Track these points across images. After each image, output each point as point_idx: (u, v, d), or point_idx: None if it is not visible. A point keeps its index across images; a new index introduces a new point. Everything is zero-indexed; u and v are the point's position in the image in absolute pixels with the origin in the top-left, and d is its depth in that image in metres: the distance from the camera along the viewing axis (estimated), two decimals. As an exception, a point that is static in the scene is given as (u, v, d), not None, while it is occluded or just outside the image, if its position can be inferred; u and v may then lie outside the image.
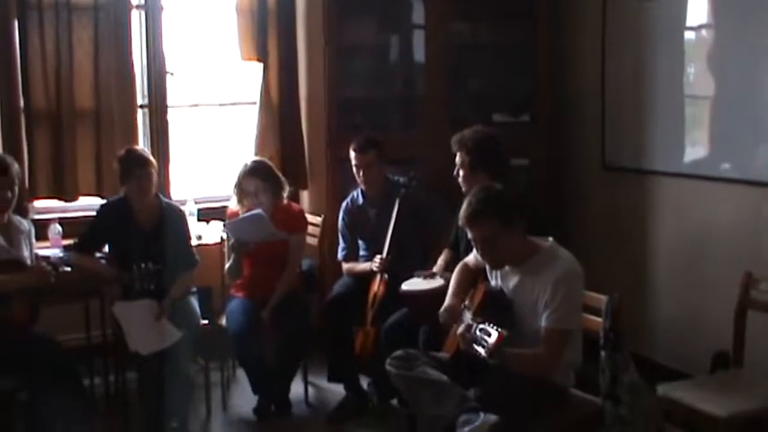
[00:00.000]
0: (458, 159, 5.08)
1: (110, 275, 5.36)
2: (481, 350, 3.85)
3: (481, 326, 3.94)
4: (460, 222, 4.19)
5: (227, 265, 5.75)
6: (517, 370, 3.99)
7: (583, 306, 4.20)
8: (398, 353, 4.39)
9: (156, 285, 5.24)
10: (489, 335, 3.84)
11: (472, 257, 4.51)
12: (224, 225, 5.65)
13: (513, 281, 4.21)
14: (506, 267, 4.24)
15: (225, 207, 5.93)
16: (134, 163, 5.39)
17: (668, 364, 5.81)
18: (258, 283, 5.66)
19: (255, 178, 5.60)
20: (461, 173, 5.06)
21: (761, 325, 4.64)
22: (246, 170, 5.63)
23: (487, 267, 4.35)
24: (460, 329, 4.07)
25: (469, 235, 4.19)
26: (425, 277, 5.15)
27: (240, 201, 5.65)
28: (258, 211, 5.49)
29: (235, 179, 5.67)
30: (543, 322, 4.02)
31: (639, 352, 5.30)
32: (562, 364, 4.12)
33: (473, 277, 4.52)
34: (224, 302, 5.79)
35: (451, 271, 4.72)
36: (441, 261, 5.37)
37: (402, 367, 4.28)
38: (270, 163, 5.82)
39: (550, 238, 4.22)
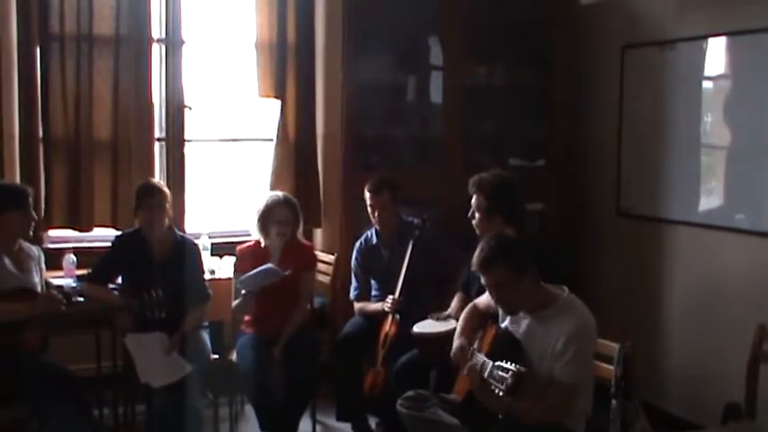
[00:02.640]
0: (474, 202, 5.06)
1: (120, 304, 5.38)
2: (499, 387, 3.85)
3: (497, 363, 3.94)
4: (473, 268, 4.20)
5: (234, 303, 5.76)
6: (526, 422, 3.96)
7: (594, 354, 4.18)
8: (410, 393, 4.40)
9: (167, 314, 5.26)
10: (507, 372, 3.85)
11: (483, 299, 4.50)
12: (238, 282, 5.66)
13: (524, 326, 4.19)
14: (519, 313, 4.23)
15: (239, 242, 5.94)
16: (144, 193, 5.46)
17: (679, 413, 5.80)
18: (268, 319, 5.65)
19: (288, 209, 5.67)
20: (477, 215, 5.04)
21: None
22: (280, 200, 5.70)
23: (500, 311, 4.34)
24: (472, 367, 4.07)
25: (482, 281, 4.19)
26: (438, 319, 5.15)
27: (264, 228, 5.68)
28: (269, 265, 5.53)
29: (261, 206, 5.69)
30: (553, 374, 4.00)
31: (651, 401, 5.28)
32: (573, 413, 4.09)
33: (482, 319, 4.51)
34: (234, 337, 5.78)
35: None
36: (454, 304, 5.31)
37: (413, 408, 4.28)
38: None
39: (565, 288, 4.19)
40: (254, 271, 5.53)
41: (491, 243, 4.12)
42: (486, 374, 3.99)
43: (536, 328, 4.12)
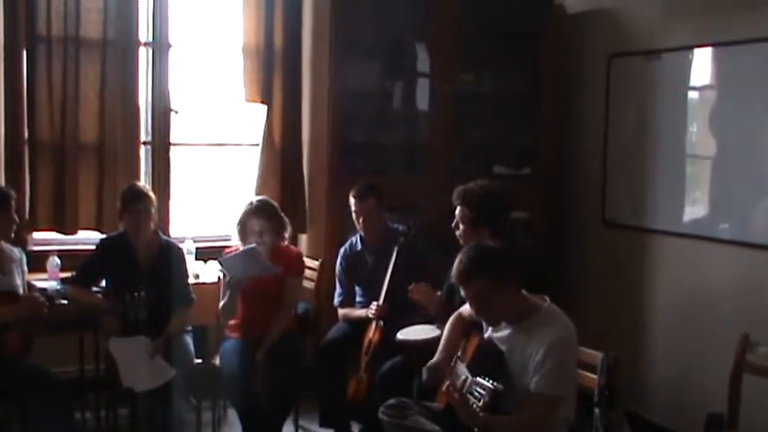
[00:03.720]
0: (458, 213, 5.01)
1: (103, 306, 5.36)
2: (476, 404, 3.84)
3: (476, 379, 3.93)
4: (452, 280, 4.18)
5: (221, 303, 5.73)
6: None
7: (578, 362, 4.16)
8: (392, 401, 4.37)
9: (151, 318, 5.25)
10: (484, 388, 3.83)
11: (467, 308, 4.48)
12: (219, 261, 5.62)
13: (505, 336, 4.15)
14: (501, 323, 4.21)
15: (223, 247, 5.92)
16: (130, 197, 5.44)
17: (662, 423, 5.81)
18: (252, 323, 5.62)
19: (261, 218, 5.58)
20: (461, 227, 5.00)
21: (756, 387, 4.61)
22: (252, 209, 5.61)
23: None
24: (455, 383, 4.05)
25: (462, 293, 4.17)
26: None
27: (243, 239, 5.63)
28: (252, 245, 5.48)
29: (238, 217, 5.64)
30: (533, 386, 3.96)
31: (634, 410, 5.29)
32: (556, 421, 4.08)
33: (466, 328, 4.49)
34: (218, 342, 5.76)
35: (443, 322, 4.72)
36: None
37: (395, 416, 4.26)
38: (274, 203, 5.80)
39: (547, 298, 4.16)
40: (237, 251, 5.51)
41: (470, 254, 4.07)
42: (464, 390, 3.96)
43: (517, 338, 4.09)
